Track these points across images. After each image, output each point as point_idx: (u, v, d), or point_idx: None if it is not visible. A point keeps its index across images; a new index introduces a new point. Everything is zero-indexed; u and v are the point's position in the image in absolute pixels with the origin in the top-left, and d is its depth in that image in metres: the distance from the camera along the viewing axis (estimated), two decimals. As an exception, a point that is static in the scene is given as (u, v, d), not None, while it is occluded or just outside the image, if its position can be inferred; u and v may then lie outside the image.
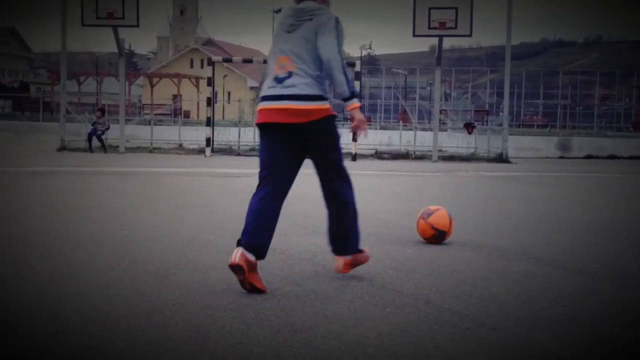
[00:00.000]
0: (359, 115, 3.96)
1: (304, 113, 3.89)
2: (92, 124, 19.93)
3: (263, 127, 4.00)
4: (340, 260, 4.26)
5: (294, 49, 3.94)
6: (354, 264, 4.28)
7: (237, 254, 3.77)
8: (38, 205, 7.47)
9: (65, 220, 6.33)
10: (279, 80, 3.94)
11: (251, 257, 3.81)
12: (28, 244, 5.14)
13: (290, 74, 3.92)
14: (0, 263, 4.48)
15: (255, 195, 4.09)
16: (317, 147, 4.05)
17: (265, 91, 3.99)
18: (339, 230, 4.24)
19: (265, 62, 26.32)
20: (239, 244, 3.87)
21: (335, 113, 4.06)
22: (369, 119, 45.94)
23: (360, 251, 4.31)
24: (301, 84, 3.89)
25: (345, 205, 4.24)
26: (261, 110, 4.00)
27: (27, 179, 10.44)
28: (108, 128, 20.07)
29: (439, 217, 5.46)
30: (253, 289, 3.79)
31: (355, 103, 3.93)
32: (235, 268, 3.77)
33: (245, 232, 3.91)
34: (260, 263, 3.94)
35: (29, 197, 8.24)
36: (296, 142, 3.99)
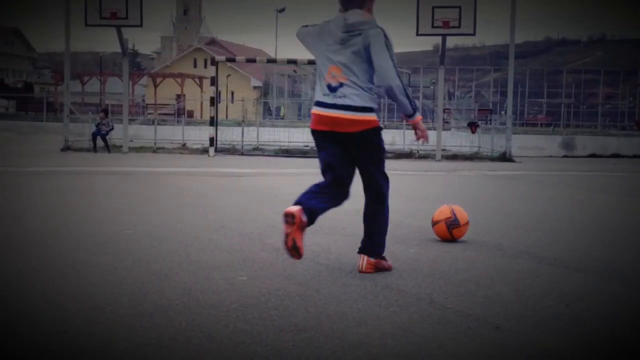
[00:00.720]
0: (421, 127, 4.40)
1: (353, 123, 4.20)
2: (96, 125, 19.95)
3: (315, 132, 4.37)
4: (364, 259, 4.41)
5: (346, 62, 4.21)
6: (377, 267, 4.42)
7: (295, 208, 4.06)
8: (41, 205, 7.48)
9: (68, 220, 6.34)
10: (331, 89, 4.24)
11: (304, 218, 4.05)
12: (30, 243, 5.15)
13: (341, 84, 4.21)
14: (2, 263, 4.49)
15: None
16: (361, 155, 4.34)
17: (319, 97, 4.31)
18: (370, 229, 4.48)
19: (268, 61, 26.22)
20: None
21: (381, 125, 4.36)
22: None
23: (385, 258, 4.51)
24: (352, 95, 4.19)
25: (380, 211, 4.55)
26: (315, 115, 4.33)
27: (30, 179, 10.46)
28: (112, 128, 20.10)
29: (461, 211, 5.65)
30: (294, 248, 4.00)
31: (418, 117, 4.34)
32: (288, 216, 4.01)
33: (304, 196, 4.24)
34: (263, 263, 4.06)
35: (32, 197, 8.25)
36: (345, 147, 4.30)
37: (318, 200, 4.24)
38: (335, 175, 4.34)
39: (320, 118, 4.27)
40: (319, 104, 4.29)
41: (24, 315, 3.29)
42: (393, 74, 4.19)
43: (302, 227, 4.03)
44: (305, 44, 4.54)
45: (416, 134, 4.45)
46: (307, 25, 4.57)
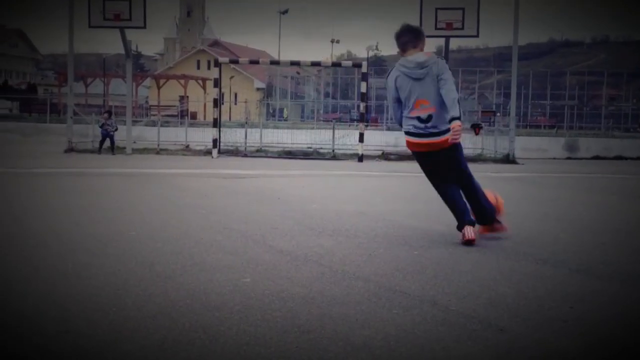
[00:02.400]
0: (459, 127, 5.30)
1: (442, 143, 5.47)
2: (100, 126, 19.96)
3: (415, 153, 5.75)
4: (479, 227, 5.69)
5: (429, 94, 5.44)
6: (491, 230, 5.80)
7: (469, 231, 5.46)
8: (44, 206, 7.49)
9: (71, 221, 6.35)
10: (421, 121, 5.49)
11: (475, 228, 5.54)
12: (33, 244, 5.16)
13: (430, 116, 5.46)
14: (4, 264, 4.49)
15: (443, 193, 5.75)
16: (449, 162, 5.61)
17: (413, 129, 5.55)
18: (477, 207, 5.71)
19: (272, 63, 26.34)
20: (464, 224, 5.51)
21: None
22: (375, 120, 45.95)
23: (498, 222, 5.83)
24: (439, 123, 5.44)
25: (475, 190, 5.74)
26: (411, 143, 5.65)
27: (34, 180, 10.47)
28: (116, 129, 20.14)
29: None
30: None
31: (459, 121, 5.32)
32: (471, 242, 5.42)
33: (463, 214, 5.57)
34: (266, 265, 4.27)
35: (35, 198, 8.26)
36: (438, 158, 5.60)
37: (464, 210, 5.63)
38: (443, 182, 5.78)
39: (416, 145, 5.67)
40: (414, 134, 5.60)
41: (26, 316, 3.30)
42: (455, 91, 5.43)
43: (478, 232, 5.63)
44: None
45: (456, 134, 5.32)
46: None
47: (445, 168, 5.63)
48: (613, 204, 9.17)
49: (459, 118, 5.27)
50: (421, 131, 5.50)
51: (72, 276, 4.14)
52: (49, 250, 4.97)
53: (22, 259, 4.65)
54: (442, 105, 5.37)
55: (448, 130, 5.33)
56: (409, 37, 5.67)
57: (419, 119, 5.48)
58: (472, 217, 5.61)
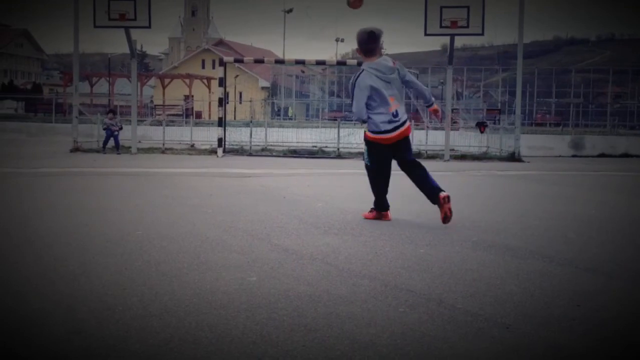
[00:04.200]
0: (438, 107, 6.91)
1: (406, 131, 6.62)
2: (104, 128, 19.96)
3: (386, 146, 6.61)
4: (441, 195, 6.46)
5: (395, 93, 6.52)
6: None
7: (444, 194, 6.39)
8: (50, 206, 7.51)
9: (78, 221, 6.36)
10: (394, 116, 6.49)
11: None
12: (41, 245, 5.17)
13: (397, 112, 6.50)
14: (12, 264, 4.50)
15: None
16: (407, 146, 6.73)
17: (390, 126, 6.48)
18: (427, 187, 6.57)
19: (276, 62, 26.28)
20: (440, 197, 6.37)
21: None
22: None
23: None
24: (402, 116, 6.56)
25: (424, 172, 6.66)
26: (387, 138, 6.52)
27: (40, 180, 10.50)
28: (121, 128, 20.16)
29: None
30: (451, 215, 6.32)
31: (436, 104, 6.87)
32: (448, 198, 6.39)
33: (434, 188, 6.51)
34: (272, 264, 4.30)
35: (42, 199, 8.28)
36: (400, 145, 6.66)
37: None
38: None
39: (391, 138, 6.57)
40: (388, 131, 6.51)
41: (33, 317, 3.31)
42: (420, 82, 6.78)
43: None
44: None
45: (437, 114, 6.91)
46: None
47: (404, 152, 6.67)
48: (619, 202, 9.15)
49: (433, 101, 6.84)
50: (395, 125, 6.47)
51: (79, 276, 4.15)
52: (56, 250, 4.98)
53: (29, 259, 4.66)
54: (402, 100, 6.60)
55: (407, 119, 6.66)
56: (377, 44, 6.44)
57: (392, 114, 6.44)
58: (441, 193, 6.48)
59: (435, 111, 6.85)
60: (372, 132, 6.53)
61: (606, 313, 3.53)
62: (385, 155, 6.65)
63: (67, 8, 19.92)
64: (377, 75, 6.39)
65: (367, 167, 6.83)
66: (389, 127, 6.46)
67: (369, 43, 6.40)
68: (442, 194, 6.35)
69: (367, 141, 6.67)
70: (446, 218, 6.30)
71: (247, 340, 3.01)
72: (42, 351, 2.87)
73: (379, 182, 6.73)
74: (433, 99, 6.89)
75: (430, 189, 6.51)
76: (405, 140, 6.64)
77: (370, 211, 6.80)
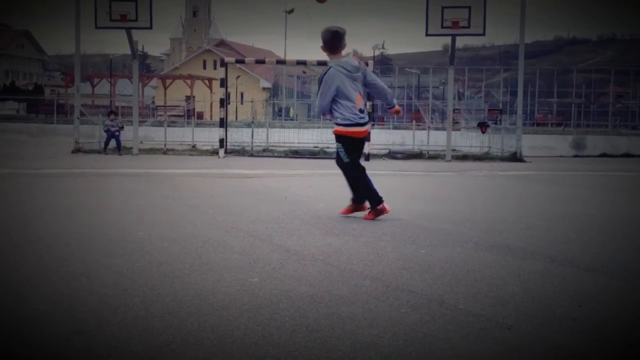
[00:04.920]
0: (399, 108, 7.34)
1: (367, 130, 6.99)
2: (105, 131, 19.96)
3: (357, 140, 6.89)
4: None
5: (360, 91, 6.81)
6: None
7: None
8: (52, 207, 7.51)
9: (79, 222, 6.37)
10: (361, 112, 6.78)
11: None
12: (43, 245, 5.17)
13: (362, 109, 6.81)
14: (13, 264, 4.51)
15: (363, 176, 6.89)
16: (363, 144, 7.04)
17: (361, 120, 6.76)
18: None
19: (278, 62, 26.26)
20: (381, 200, 6.77)
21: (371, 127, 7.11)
22: (381, 119, 45.92)
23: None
24: (365, 114, 6.88)
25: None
26: (359, 132, 6.78)
27: (41, 181, 10.51)
28: (122, 128, 20.17)
29: None
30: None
31: (397, 106, 7.24)
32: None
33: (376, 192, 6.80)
34: (274, 265, 4.35)
35: (43, 199, 8.29)
36: (362, 141, 6.98)
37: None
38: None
39: (359, 132, 6.80)
40: (358, 124, 6.76)
41: (34, 316, 3.31)
42: (383, 83, 7.11)
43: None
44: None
45: (397, 113, 7.47)
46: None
47: (361, 149, 7.01)
48: (621, 202, 9.14)
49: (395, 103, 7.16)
50: (363, 120, 6.78)
51: (80, 276, 4.16)
52: (57, 251, 4.98)
53: (29, 259, 4.67)
54: (365, 100, 7.05)
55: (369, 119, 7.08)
56: (341, 42, 6.72)
57: (360, 110, 6.74)
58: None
59: (397, 112, 7.29)
60: (345, 125, 6.72)
61: (607, 313, 3.53)
62: (359, 149, 6.92)
63: (68, 9, 19.98)
64: (345, 73, 6.64)
65: (344, 165, 6.88)
66: (361, 121, 6.76)
67: (334, 41, 6.69)
68: (387, 206, 6.78)
69: (341, 137, 6.81)
70: (347, 212, 6.87)
71: (249, 341, 3.01)
72: (42, 352, 2.87)
73: (362, 176, 6.84)
74: (395, 100, 7.15)
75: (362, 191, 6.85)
76: (364, 140, 7.00)
77: (369, 213, 6.82)
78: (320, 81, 6.77)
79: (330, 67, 6.70)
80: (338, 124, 6.78)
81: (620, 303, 3.76)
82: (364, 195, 6.84)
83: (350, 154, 6.81)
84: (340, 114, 6.70)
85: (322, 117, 7.01)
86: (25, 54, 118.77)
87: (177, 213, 7.14)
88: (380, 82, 7.05)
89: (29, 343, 2.96)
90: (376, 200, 6.77)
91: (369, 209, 6.82)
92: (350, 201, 6.94)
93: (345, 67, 6.68)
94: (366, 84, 6.90)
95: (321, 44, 6.80)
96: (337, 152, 6.97)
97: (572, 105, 54.18)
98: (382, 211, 6.74)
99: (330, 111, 6.77)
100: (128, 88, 55.83)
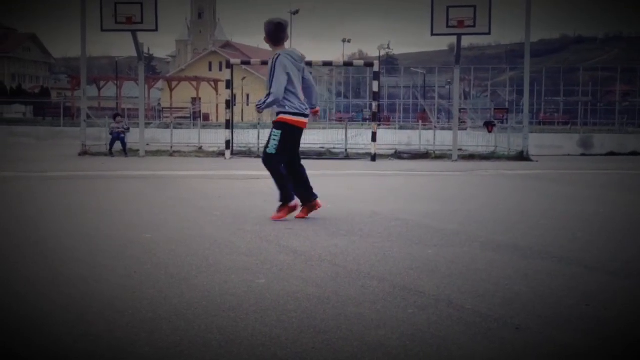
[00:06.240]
0: (318, 109, 7.42)
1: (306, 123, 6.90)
2: (110, 133, 20.01)
3: (300, 130, 6.85)
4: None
5: (301, 82, 6.76)
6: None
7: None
8: (60, 210, 7.54)
9: (88, 225, 6.38)
10: (303, 103, 6.73)
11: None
12: (51, 248, 5.19)
13: (304, 100, 6.76)
14: (21, 267, 4.52)
15: (297, 170, 6.94)
16: (299, 141, 7.02)
17: (305, 111, 6.76)
18: (306, 186, 6.96)
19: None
20: (316, 196, 6.87)
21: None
22: (388, 119, 45.92)
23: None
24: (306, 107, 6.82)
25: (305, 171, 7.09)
26: (302, 122, 6.79)
27: (49, 184, 10.54)
28: (128, 129, 20.21)
29: None
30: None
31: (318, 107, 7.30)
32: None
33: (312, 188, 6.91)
34: (281, 266, 4.37)
35: (51, 202, 8.31)
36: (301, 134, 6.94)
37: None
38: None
39: (304, 123, 6.81)
40: (305, 115, 6.77)
41: (42, 319, 3.32)
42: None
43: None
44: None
45: (316, 114, 7.28)
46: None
47: (297, 143, 6.95)
48: (629, 201, 9.11)
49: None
50: (307, 112, 6.79)
51: (88, 279, 4.17)
52: (66, 253, 5.00)
53: (37, 262, 4.68)
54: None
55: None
56: (285, 34, 6.75)
57: (303, 101, 6.73)
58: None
59: (316, 112, 7.27)
60: (292, 114, 6.64)
61: (615, 312, 3.52)
62: (296, 142, 6.86)
63: (74, 12, 19.99)
64: (292, 62, 6.61)
65: (270, 157, 6.72)
66: (306, 112, 6.75)
67: (278, 33, 6.71)
68: (319, 201, 6.86)
69: (284, 124, 6.67)
70: (303, 215, 6.82)
71: (256, 342, 3.01)
72: (50, 354, 2.88)
73: (283, 170, 6.76)
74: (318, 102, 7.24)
75: (310, 192, 6.85)
76: (302, 133, 6.91)
77: (279, 210, 6.73)
78: (271, 68, 6.58)
79: (279, 54, 6.59)
80: (285, 112, 6.63)
81: (628, 302, 3.74)
82: (284, 189, 6.74)
83: (284, 145, 6.66)
84: (290, 102, 6.60)
85: (262, 110, 6.89)
86: (31, 57, 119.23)
87: (184, 215, 7.15)
88: (312, 80, 7.04)
89: (36, 346, 2.97)
90: (288, 197, 6.71)
91: (280, 206, 6.74)
92: (300, 205, 6.83)
93: (292, 56, 6.65)
94: (303, 77, 6.82)
95: (264, 35, 6.76)
96: (268, 142, 6.79)
97: (578, 103, 54.07)
98: (316, 205, 6.83)
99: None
100: (134, 90, 55.90)
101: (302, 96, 6.70)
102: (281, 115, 6.67)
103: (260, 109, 6.77)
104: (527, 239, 5.69)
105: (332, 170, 14.05)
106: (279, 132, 6.65)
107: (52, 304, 3.62)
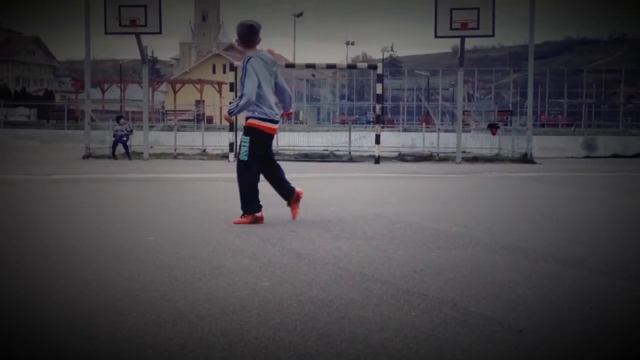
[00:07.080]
0: (292, 111, 7.37)
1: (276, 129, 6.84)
2: (114, 135, 20.03)
3: (270, 136, 6.78)
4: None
5: (273, 86, 6.69)
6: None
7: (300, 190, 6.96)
8: (64, 213, 7.55)
9: (92, 227, 6.39)
10: (274, 108, 6.65)
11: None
12: (55, 251, 5.20)
13: (275, 105, 6.71)
14: (25, 270, 4.53)
15: (272, 174, 6.93)
16: (271, 145, 6.96)
17: (276, 117, 6.65)
18: (285, 185, 7.02)
19: (287, 66, 26.04)
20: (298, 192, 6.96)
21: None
22: (391, 121, 45.91)
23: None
24: (277, 112, 6.76)
25: (282, 171, 7.06)
26: (272, 129, 6.67)
27: (53, 187, 10.56)
28: (131, 132, 20.22)
29: None
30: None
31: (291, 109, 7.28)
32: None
33: (291, 190, 6.97)
34: (284, 269, 4.36)
35: (54, 205, 8.33)
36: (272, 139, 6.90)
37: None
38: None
39: (275, 129, 6.75)
40: (276, 122, 6.70)
41: (47, 322, 3.32)
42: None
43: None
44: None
45: (289, 115, 7.66)
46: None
47: (270, 147, 6.94)
48: (632, 203, 9.10)
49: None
50: (277, 117, 6.69)
51: (92, 282, 4.17)
52: (71, 256, 5.00)
53: (41, 265, 4.69)
54: (273, 97, 6.78)
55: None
56: (257, 36, 6.68)
57: (274, 105, 6.70)
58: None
59: (290, 114, 7.38)
60: (262, 119, 6.53)
61: (620, 315, 3.51)
62: (266, 148, 6.75)
63: (78, 15, 20.04)
64: (263, 65, 6.50)
65: (242, 164, 6.64)
66: (276, 118, 6.65)
67: (250, 35, 6.65)
68: (299, 190, 6.94)
69: (252, 129, 6.56)
70: (294, 212, 6.93)
71: (259, 345, 3.01)
72: (54, 357, 2.88)
73: (254, 179, 6.66)
74: (292, 105, 7.26)
75: (288, 189, 6.92)
76: (272, 138, 6.86)
77: (243, 216, 6.63)
78: (244, 68, 6.47)
79: (251, 56, 6.49)
80: (254, 117, 6.52)
81: (632, 305, 3.74)
82: (249, 197, 6.62)
83: (254, 151, 6.55)
84: (259, 107, 6.49)
85: (235, 114, 6.76)
86: (35, 60, 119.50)
87: (188, 218, 7.16)
88: (285, 84, 6.92)
89: (41, 348, 2.98)
90: (256, 206, 6.63)
91: (244, 213, 6.63)
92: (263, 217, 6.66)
93: (264, 58, 6.53)
94: (276, 82, 6.73)
95: (236, 37, 6.73)
96: (239, 149, 6.72)
97: (582, 105, 54.00)
98: (260, 219, 6.61)
99: None
100: (138, 93, 55.96)
101: (272, 100, 6.60)
102: (250, 120, 6.58)
103: (233, 113, 6.65)
104: (531, 241, 5.69)
105: (335, 173, 14.06)
106: (247, 138, 6.57)
107: (52, 304, 3.63)
